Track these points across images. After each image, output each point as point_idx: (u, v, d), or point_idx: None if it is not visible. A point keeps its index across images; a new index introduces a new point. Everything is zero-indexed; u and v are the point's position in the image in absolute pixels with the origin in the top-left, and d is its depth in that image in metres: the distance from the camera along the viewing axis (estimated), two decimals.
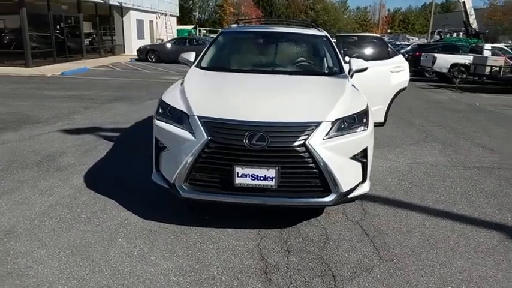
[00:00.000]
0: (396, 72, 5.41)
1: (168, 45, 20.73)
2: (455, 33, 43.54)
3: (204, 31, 35.47)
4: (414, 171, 4.69)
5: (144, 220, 3.26)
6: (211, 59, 4.24)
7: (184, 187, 2.96)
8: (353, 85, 3.67)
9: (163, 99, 3.27)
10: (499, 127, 7.43)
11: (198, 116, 2.93)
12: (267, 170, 2.80)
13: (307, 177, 2.86)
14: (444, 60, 14.80)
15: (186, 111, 3.03)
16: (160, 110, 3.21)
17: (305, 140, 2.79)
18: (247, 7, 59.54)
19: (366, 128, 3.04)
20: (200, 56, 4.26)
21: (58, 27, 17.25)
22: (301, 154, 2.79)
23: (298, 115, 2.92)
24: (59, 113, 7.47)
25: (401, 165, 4.86)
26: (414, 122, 7.59)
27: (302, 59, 4.38)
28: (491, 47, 15.79)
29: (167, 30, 28.81)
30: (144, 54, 20.51)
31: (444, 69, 14.76)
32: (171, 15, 30.52)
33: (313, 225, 3.25)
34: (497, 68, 12.77)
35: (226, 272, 2.61)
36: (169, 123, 3.07)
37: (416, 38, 52.17)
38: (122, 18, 23.69)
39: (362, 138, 3.01)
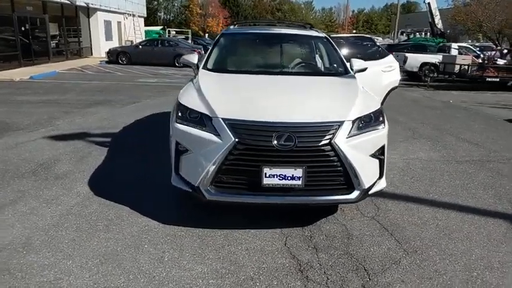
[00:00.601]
0: (388, 71, 5.63)
1: (139, 46, 20.32)
2: (417, 33, 45.58)
3: (174, 32, 34.95)
4: (412, 166, 4.91)
5: (165, 225, 3.24)
6: (218, 60, 4.25)
7: (210, 190, 2.97)
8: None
9: (182, 102, 3.25)
10: (476, 123, 7.88)
11: (222, 118, 2.95)
12: (295, 169, 2.87)
13: (332, 175, 2.95)
14: (415, 60, 15.46)
15: (208, 114, 3.04)
16: (180, 113, 3.20)
17: (330, 139, 2.88)
18: (215, 8, 59.27)
19: (383, 126, 3.18)
20: (206, 58, 4.26)
21: (23, 29, 16.47)
22: (327, 153, 2.88)
23: (321, 115, 3.00)
24: (39, 118, 7.19)
25: (399, 162, 5.07)
26: (398, 120, 7.89)
27: (308, 59, 4.48)
28: (458, 46, 16.66)
29: (135, 31, 28.23)
30: (115, 56, 19.99)
31: (415, 68, 15.42)
32: (139, 16, 29.93)
33: (333, 223, 3.35)
34: (466, 67, 13.49)
35: (262, 271, 2.65)
36: (191, 126, 3.07)
37: (381, 38, 53.98)
38: (89, 19, 22.98)
39: (380, 136, 3.14)
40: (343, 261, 2.78)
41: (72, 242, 2.95)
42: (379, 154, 3.15)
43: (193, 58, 4.36)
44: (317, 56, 4.55)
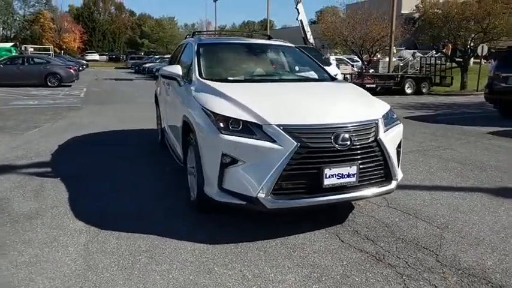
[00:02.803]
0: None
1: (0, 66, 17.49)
2: None
3: (31, 49, 30.88)
4: None
5: (214, 245, 3.05)
6: (210, 70, 4.14)
7: (270, 198, 2.95)
8: None
9: (220, 113, 3.13)
10: None
11: (276, 125, 2.98)
12: (350, 167, 3.07)
13: (377, 169, 3.24)
14: None
15: (257, 122, 3.02)
16: (222, 124, 3.08)
17: (376, 135, 3.19)
18: (69, 22, 54.64)
19: (399, 122, 3.63)
20: (196, 69, 4.09)
21: None
22: (374, 148, 3.17)
23: (363, 115, 3.28)
24: None
25: None
26: None
27: (297, 68, 4.71)
28: (335, 58, 19.05)
29: None
30: None
31: None
32: None
33: (362, 216, 3.63)
34: (348, 75, 15.57)
35: (349, 267, 2.76)
36: (240, 136, 3.00)
37: None
38: None
39: (399, 131, 3.57)
40: (403, 246, 3.08)
41: (130, 281, 2.56)
42: (398, 146, 3.58)
43: (177, 69, 4.19)
44: (301, 64, 4.81)
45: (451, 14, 16.01)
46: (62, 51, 45.62)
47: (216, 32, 6.01)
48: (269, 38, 5.59)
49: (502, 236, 3.24)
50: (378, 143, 3.19)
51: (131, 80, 24.75)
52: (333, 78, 4.46)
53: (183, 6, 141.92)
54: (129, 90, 17.53)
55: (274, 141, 2.94)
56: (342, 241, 3.16)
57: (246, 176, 2.98)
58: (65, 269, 2.71)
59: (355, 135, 3.09)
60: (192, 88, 3.83)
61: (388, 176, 3.32)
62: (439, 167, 5.30)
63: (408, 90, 16.81)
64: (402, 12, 28.45)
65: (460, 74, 17.66)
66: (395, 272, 2.71)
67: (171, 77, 4.26)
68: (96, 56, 54.99)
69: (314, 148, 2.96)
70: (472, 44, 16.76)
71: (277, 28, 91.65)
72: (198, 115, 3.34)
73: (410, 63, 20.24)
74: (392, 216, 3.65)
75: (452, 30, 16.58)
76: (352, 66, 17.77)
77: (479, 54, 15.61)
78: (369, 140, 3.15)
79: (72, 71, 18.55)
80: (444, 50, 19.47)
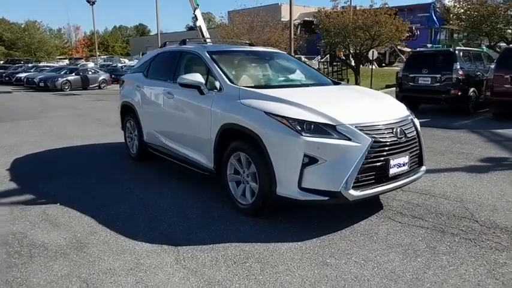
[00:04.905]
0: None
1: None
2: None
3: None
4: None
5: (304, 242, 3.26)
6: (237, 78, 4.27)
7: (352, 191, 3.30)
8: None
9: (293, 117, 3.36)
10: None
11: (350, 124, 3.34)
12: (405, 157, 3.61)
13: (417, 156, 3.85)
14: None
15: (330, 123, 3.34)
16: (299, 127, 3.31)
17: (416, 128, 3.80)
18: None
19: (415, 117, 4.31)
20: (222, 76, 4.17)
21: None
22: (418, 139, 3.78)
23: (401, 111, 3.86)
24: None
25: None
26: None
27: (305, 72, 5.05)
28: None
29: None
30: None
31: None
32: None
33: (393, 200, 4.20)
34: None
35: (428, 241, 3.26)
36: (319, 137, 3.28)
37: (127, 60, 55.32)
38: None
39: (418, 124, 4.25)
40: (446, 218, 3.72)
41: (264, 285, 2.64)
42: None
43: (198, 77, 4.22)
44: (303, 69, 5.20)
45: (346, 23, 18.22)
46: None
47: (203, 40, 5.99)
48: (251, 44, 5.84)
49: (506, 200, 4.15)
50: (418, 134, 3.80)
51: (10, 92, 21.71)
52: (335, 82, 4.99)
53: (40, 9, 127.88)
54: (22, 104, 15.47)
55: (349, 139, 3.30)
56: (399, 222, 3.67)
57: (328, 173, 3.28)
58: None
59: (406, 129, 3.64)
60: (230, 95, 3.93)
61: (421, 162, 3.95)
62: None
63: None
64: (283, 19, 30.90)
65: (354, 76, 20.14)
66: (463, 238, 3.32)
67: (192, 86, 4.24)
68: None
69: (383, 142, 3.41)
70: (362, 49, 19.29)
71: (152, 34, 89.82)
72: (263, 120, 3.49)
73: None
74: (414, 197, 4.30)
75: (346, 38, 18.84)
76: None
77: (370, 58, 18.08)
78: (414, 133, 3.74)
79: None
80: (338, 55, 22.00)
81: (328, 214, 3.80)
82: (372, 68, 18.94)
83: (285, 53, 5.43)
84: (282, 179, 3.41)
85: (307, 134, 3.29)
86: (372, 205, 4.04)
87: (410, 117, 3.89)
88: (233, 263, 2.96)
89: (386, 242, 3.27)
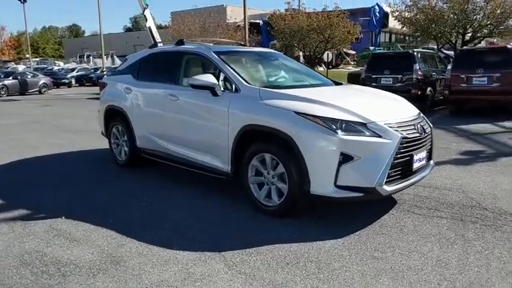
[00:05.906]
0: None
1: None
2: (91, 57, 48.40)
3: None
4: None
5: (339, 240, 3.35)
6: (251, 79, 4.26)
7: (385, 186, 3.45)
8: None
9: (326, 116, 3.44)
10: None
11: (380, 122, 3.50)
12: (424, 152, 3.85)
13: (430, 151, 4.10)
14: None
15: (360, 121, 3.47)
16: (333, 126, 3.39)
17: (429, 124, 4.05)
18: None
19: None
20: (236, 77, 4.15)
21: None
22: (431, 135, 4.03)
23: (415, 109, 4.10)
24: None
25: None
26: None
27: (309, 73, 5.12)
28: None
29: None
30: None
31: None
32: None
33: (402, 194, 4.43)
34: None
35: (454, 230, 3.50)
36: (352, 135, 3.39)
37: (62, 63, 52.51)
38: None
39: None
40: (459, 208, 4.00)
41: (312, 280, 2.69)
42: None
43: (211, 78, 4.18)
44: (300, 70, 5.29)
45: (301, 25, 18.73)
46: None
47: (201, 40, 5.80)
48: (243, 45, 5.84)
49: (501, 188, 4.54)
50: (431, 130, 4.06)
51: None
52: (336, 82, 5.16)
53: None
54: None
55: (379, 136, 3.45)
56: (420, 214, 3.89)
57: (363, 170, 3.40)
58: None
59: (423, 126, 3.87)
60: (249, 96, 3.93)
61: (430, 157, 4.22)
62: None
63: None
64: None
65: None
66: (482, 225, 3.60)
67: (205, 87, 4.17)
68: None
69: (409, 138, 3.60)
70: (316, 51, 19.95)
71: (87, 35, 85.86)
72: (294, 120, 3.52)
73: None
74: (419, 190, 4.56)
75: (301, 40, 19.39)
76: None
77: (325, 60, 18.77)
78: (429, 129, 3.99)
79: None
80: (297, 57, 22.55)
81: (346, 211, 3.92)
82: (327, 70, 19.65)
83: (282, 53, 5.52)
84: (316, 177, 3.47)
85: (343, 133, 3.39)
86: (386, 200, 4.22)
87: (421, 115, 4.14)
88: (286, 264, 2.97)
89: (417, 234, 3.46)
